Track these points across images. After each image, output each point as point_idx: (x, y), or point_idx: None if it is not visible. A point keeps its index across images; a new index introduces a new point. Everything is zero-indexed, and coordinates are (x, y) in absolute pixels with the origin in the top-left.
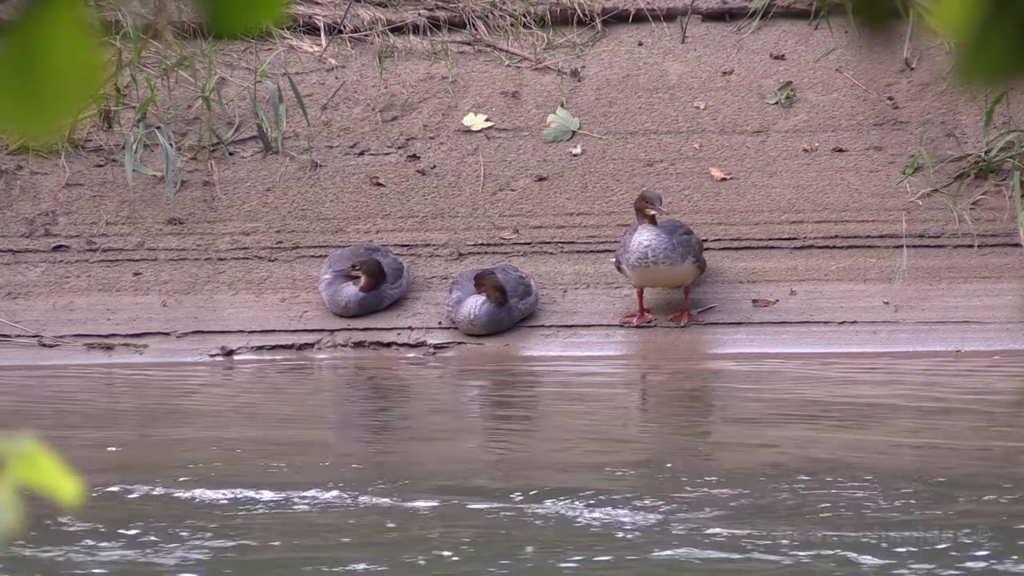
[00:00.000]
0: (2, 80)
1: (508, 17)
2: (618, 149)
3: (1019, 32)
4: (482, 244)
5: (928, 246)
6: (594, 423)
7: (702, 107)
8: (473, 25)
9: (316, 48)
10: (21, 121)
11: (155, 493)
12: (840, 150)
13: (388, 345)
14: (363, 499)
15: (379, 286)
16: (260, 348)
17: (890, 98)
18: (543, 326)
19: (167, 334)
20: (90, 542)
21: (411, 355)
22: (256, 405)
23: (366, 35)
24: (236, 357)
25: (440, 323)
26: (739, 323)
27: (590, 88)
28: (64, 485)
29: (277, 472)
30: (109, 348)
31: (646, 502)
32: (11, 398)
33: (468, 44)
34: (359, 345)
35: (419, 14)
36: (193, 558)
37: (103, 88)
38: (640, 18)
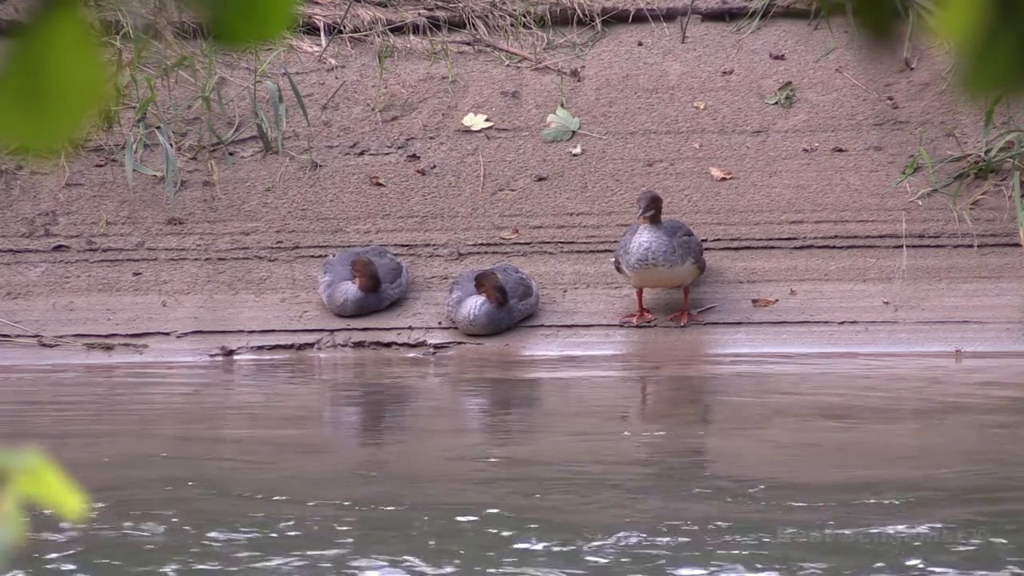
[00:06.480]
0: (7, 96)
1: (508, 17)
2: (618, 149)
3: (1023, 41)
4: (482, 244)
5: (928, 246)
6: (594, 423)
7: (702, 107)
8: (473, 25)
9: (316, 48)
10: (27, 136)
11: (155, 493)
12: (840, 150)
13: (388, 345)
14: (362, 499)
15: (376, 288)
16: (260, 348)
17: (890, 98)
18: (543, 326)
19: (167, 334)
20: (89, 544)
21: (411, 355)
22: (256, 405)
23: (366, 35)
24: (236, 357)
25: (440, 323)
26: (739, 323)
27: (590, 88)
28: (68, 499)
29: (277, 471)
30: (109, 348)
31: (645, 502)
32: (11, 398)
33: (468, 44)
34: (359, 345)
35: (419, 14)
36: (192, 557)
37: (107, 103)
38: (640, 18)
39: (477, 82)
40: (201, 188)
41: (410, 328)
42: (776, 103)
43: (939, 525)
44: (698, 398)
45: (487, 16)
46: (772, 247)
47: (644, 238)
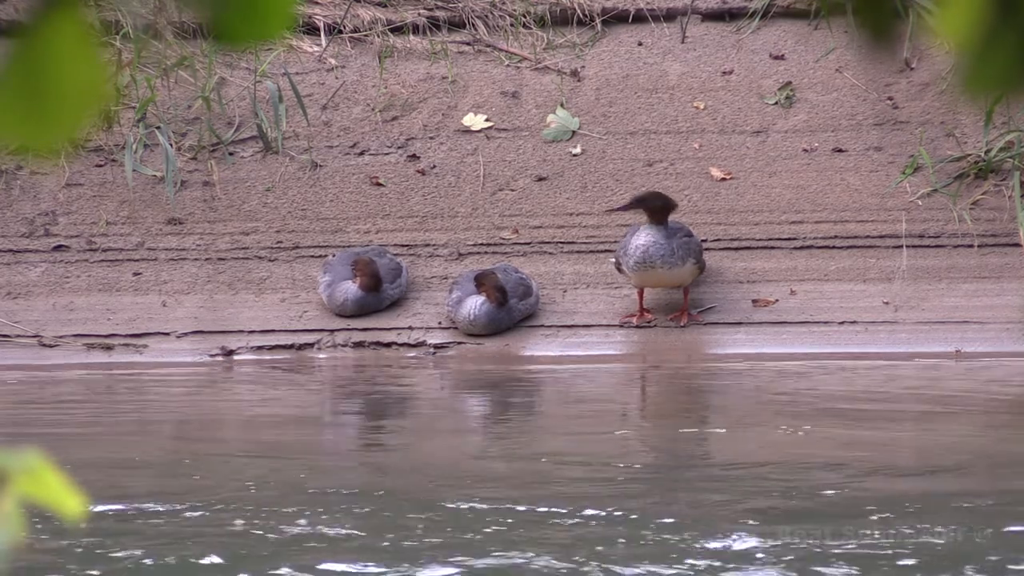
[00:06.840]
0: (7, 96)
1: (508, 17)
2: (618, 149)
3: (1023, 41)
4: (482, 244)
5: (928, 246)
6: (595, 422)
7: (702, 107)
8: (473, 25)
9: (316, 48)
10: (27, 136)
11: (154, 493)
12: (840, 150)
13: (388, 345)
14: (363, 499)
15: (377, 288)
16: (260, 348)
17: (890, 98)
18: (543, 326)
19: (167, 334)
20: (90, 546)
21: (411, 355)
22: (256, 405)
23: (366, 35)
24: (236, 357)
25: (440, 323)
26: (739, 323)
27: (590, 88)
28: (68, 500)
29: (277, 471)
30: (109, 348)
31: (645, 503)
32: (11, 398)
33: (468, 44)
34: (359, 345)
35: (419, 14)
36: (193, 557)
37: (107, 103)
38: (640, 18)
39: (477, 82)
40: (201, 188)
41: (410, 328)
42: (776, 103)
43: (940, 525)
44: (698, 399)
45: (487, 16)
46: (772, 247)
47: (643, 239)
